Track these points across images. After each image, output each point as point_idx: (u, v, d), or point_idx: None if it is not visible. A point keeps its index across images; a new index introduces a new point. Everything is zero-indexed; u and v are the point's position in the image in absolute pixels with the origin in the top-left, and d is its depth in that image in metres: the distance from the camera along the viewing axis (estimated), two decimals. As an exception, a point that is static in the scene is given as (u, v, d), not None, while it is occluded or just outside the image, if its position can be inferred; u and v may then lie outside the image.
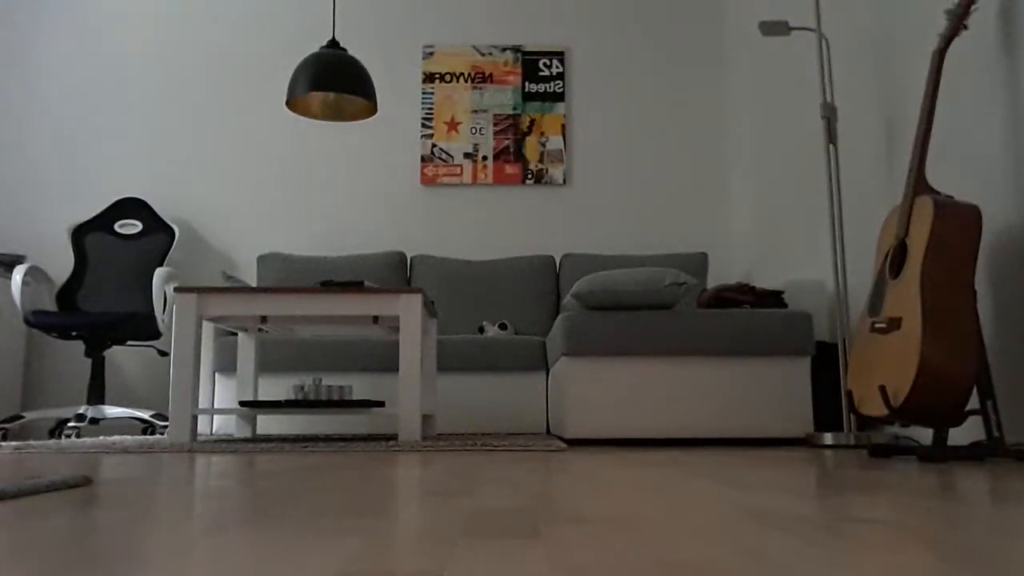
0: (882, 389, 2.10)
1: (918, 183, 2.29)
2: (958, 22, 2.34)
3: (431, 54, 5.22)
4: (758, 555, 0.67)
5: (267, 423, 3.97)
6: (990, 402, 2.07)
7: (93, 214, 4.79)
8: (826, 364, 3.25)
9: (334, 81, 3.70)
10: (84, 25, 5.17)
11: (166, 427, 4.07)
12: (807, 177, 3.84)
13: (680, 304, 3.17)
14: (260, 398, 3.99)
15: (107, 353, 4.33)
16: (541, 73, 5.21)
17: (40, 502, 1.06)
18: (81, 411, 3.95)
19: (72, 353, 4.82)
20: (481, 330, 4.39)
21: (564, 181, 5.11)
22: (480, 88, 5.19)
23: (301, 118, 5.12)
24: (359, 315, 3.12)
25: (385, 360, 4.01)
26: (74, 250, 4.62)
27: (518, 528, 0.83)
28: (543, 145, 5.13)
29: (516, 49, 5.23)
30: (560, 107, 5.18)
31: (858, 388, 2.31)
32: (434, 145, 5.13)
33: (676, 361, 3.09)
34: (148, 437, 3.63)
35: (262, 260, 4.75)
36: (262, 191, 5.08)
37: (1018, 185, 2.31)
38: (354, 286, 3.11)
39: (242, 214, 5.04)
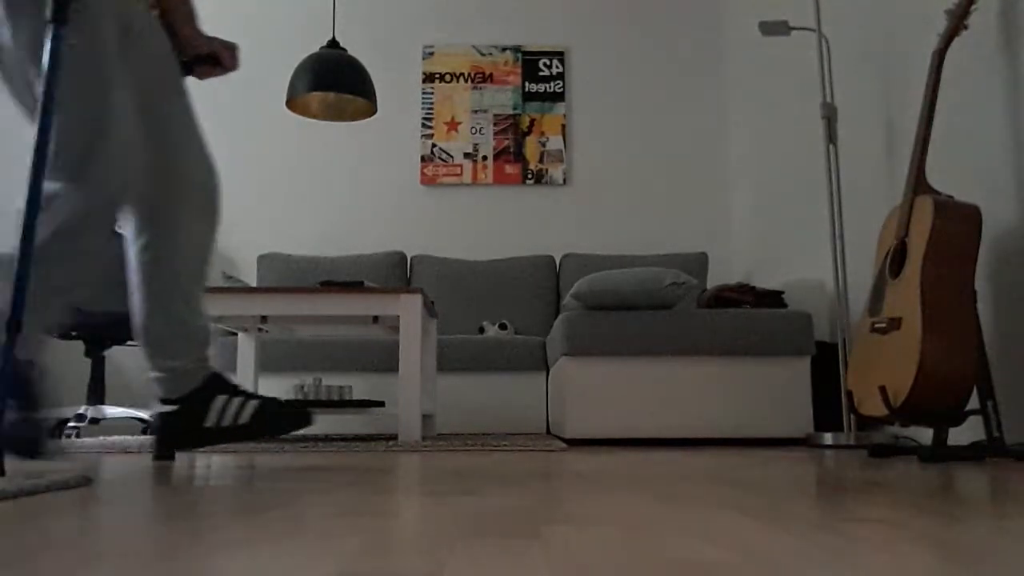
0: (882, 389, 2.10)
1: (918, 183, 2.29)
2: (958, 22, 2.34)
3: (431, 54, 5.22)
4: (758, 555, 0.67)
5: (267, 423, 3.97)
6: (990, 402, 2.07)
7: (93, 214, 4.79)
8: (826, 364, 3.25)
9: (334, 81, 3.70)
10: (84, 25, 5.17)
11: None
12: (807, 177, 3.85)
13: (680, 304, 3.17)
14: (260, 398, 3.99)
15: (107, 353, 4.33)
16: (541, 73, 5.21)
17: (40, 502, 1.06)
18: (81, 411, 3.94)
19: (72, 353, 4.81)
20: (481, 330, 4.39)
21: (564, 181, 5.11)
22: (480, 88, 5.19)
23: (301, 118, 5.12)
24: (359, 315, 3.12)
25: (385, 360, 4.01)
26: (74, 250, 4.61)
27: (518, 528, 0.83)
28: (543, 145, 5.14)
29: (516, 49, 5.23)
30: (560, 107, 5.18)
31: (858, 388, 2.31)
32: (434, 145, 5.13)
33: (676, 361, 3.10)
34: (148, 437, 3.63)
35: (262, 260, 4.75)
36: (262, 191, 5.07)
37: (1018, 185, 2.31)
38: (354, 286, 3.11)
39: (242, 214, 5.04)
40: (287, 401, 1.86)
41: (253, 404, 1.79)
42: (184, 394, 1.80)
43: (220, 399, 1.79)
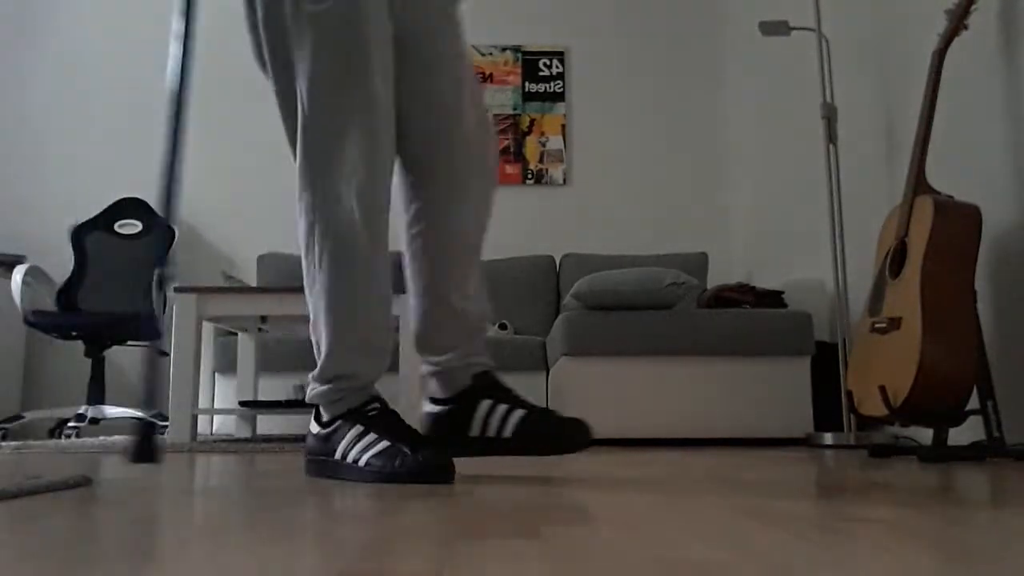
0: (882, 389, 2.10)
1: (918, 183, 2.29)
2: (958, 22, 2.34)
3: (431, 54, 5.21)
4: (758, 555, 0.67)
5: (267, 423, 3.97)
6: (990, 402, 2.07)
7: (93, 214, 4.80)
8: (826, 364, 3.25)
9: (334, 81, 3.69)
10: (84, 25, 5.17)
11: (166, 427, 4.07)
12: (807, 177, 3.85)
13: (680, 304, 3.17)
14: (260, 398, 3.99)
15: (107, 353, 4.33)
16: (541, 73, 5.21)
17: (40, 502, 1.06)
18: (81, 411, 3.94)
19: (72, 353, 4.81)
20: (481, 330, 4.38)
21: (564, 181, 5.11)
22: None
23: (301, 118, 5.11)
24: (359, 315, 3.11)
25: (385, 360, 4.00)
26: (74, 250, 4.61)
27: (518, 528, 0.83)
28: (543, 145, 5.13)
29: (516, 49, 5.23)
30: (560, 107, 5.17)
31: (858, 388, 2.31)
32: (434, 145, 5.13)
33: (676, 361, 3.09)
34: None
35: (262, 260, 4.75)
36: (262, 191, 5.07)
37: (1018, 185, 2.31)
38: (354, 286, 3.10)
39: (242, 214, 5.04)
40: (566, 418, 1.49)
41: (518, 415, 1.48)
42: (451, 395, 1.56)
43: (484, 404, 1.51)
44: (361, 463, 1.41)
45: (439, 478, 1.37)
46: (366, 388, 1.50)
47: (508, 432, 1.47)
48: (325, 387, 1.48)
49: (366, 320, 1.49)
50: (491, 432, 1.48)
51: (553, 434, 1.47)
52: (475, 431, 1.50)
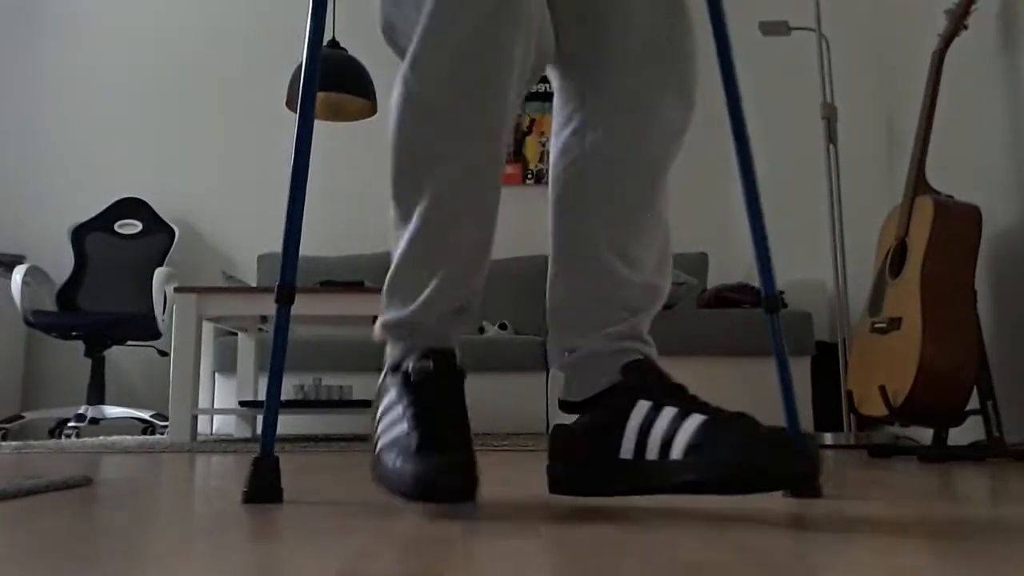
0: (882, 389, 2.10)
1: (918, 183, 2.29)
2: (958, 22, 2.34)
3: (431, 54, 5.22)
4: (758, 555, 0.67)
5: (267, 423, 3.96)
6: (990, 402, 2.07)
7: (93, 214, 4.80)
8: (826, 364, 3.25)
9: (334, 81, 3.70)
10: (84, 25, 5.17)
11: (166, 427, 4.07)
12: (807, 177, 3.85)
13: (680, 304, 3.17)
14: (260, 398, 4.00)
15: (107, 353, 4.33)
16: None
17: (40, 502, 1.06)
18: (81, 411, 3.95)
19: (72, 353, 4.81)
20: (481, 330, 4.39)
21: (564, 181, 5.11)
22: (480, 88, 5.19)
23: (301, 118, 5.11)
24: (359, 315, 3.12)
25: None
26: (74, 250, 4.62)
27: (518, 528, 0.83)
28: (543, 145, 5.13)
29: (516, 49, 5.23)
30: (560, 107, 5.17)
31: (858, 388, 2.31)
32: (434, 145, 5.13)
33: (676, 361, 3.07)
34: (148, 437, 3.63)
35: (262, 260, 4.75)
36: (262, 191, 5.07)
37: (1018, 185, 2.31)
38: (354, 286, 3.11)
39: (242, 214, 5.04)
40: (777, 432, 0.92)
41: (694, 423, 0.94)
42: (590, 396, 1.05)
43: (641, 407, 0.98)
44: (378, 445, 1.05)
45: (453, 498, 0.94)
46: (427, 335, 1.11)
47: (677, 452, 0.92)
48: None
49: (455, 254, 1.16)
50: (652, 452, 0.94)
51: (754, 459, 0.88)
52: (627, 451, 0.97)
